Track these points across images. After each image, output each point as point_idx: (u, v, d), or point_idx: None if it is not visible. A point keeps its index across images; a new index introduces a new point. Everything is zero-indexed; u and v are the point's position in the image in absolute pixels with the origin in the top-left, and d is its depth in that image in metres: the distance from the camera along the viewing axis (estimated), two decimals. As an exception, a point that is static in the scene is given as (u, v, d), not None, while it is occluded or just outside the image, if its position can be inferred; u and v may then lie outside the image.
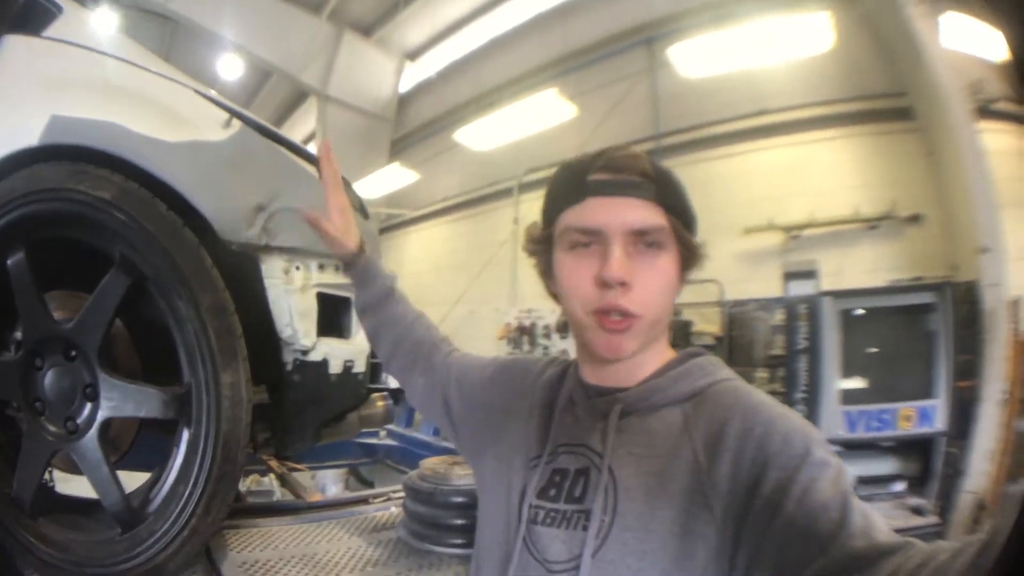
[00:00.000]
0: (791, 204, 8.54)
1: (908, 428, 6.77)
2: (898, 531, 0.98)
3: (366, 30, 14.39)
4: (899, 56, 7.54)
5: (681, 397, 1.29)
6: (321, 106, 14.27)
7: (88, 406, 2.34)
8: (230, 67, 15.33)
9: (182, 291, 2.26)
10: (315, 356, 2.80)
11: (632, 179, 1.24)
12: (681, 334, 8.19)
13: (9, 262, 2.36)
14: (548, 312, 10.16)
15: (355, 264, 1.85)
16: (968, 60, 6.84)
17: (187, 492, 2.29)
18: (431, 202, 15.00)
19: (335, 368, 2.94)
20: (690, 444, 1.20)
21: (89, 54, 2.58)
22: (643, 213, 1.23)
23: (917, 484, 6.94)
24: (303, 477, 5.18)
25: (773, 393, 1.35)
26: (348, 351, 3.02)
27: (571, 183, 1.30)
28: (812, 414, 6.67)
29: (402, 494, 3.16)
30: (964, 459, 6.53)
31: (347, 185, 3.03)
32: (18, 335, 2.44)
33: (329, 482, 8.12)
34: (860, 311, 7.26)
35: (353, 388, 3.16)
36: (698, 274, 1.35)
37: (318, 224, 1.78)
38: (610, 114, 10.36)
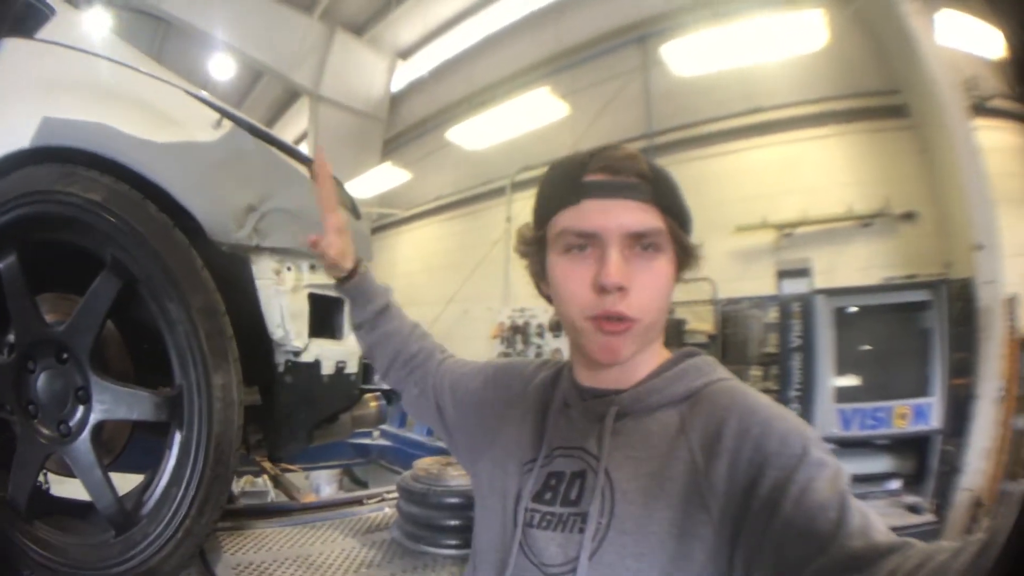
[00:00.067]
0: (784, 202, 8.55)
1: (903, 426, 6.79)
2: (894, 529, 0.97)
3: (358, 29, 14.36)
4: (893, 54, 7.55)
5: (677, 398, 1.27)
6: (313, 106, 14.25)
7: (80, 409, 2.34)
8: (222, 67, 15.30)
9: (173, 293, 2.26)
10: (307, 357, 2.80)
11: (629, 181, 1.22)
12: (674, 332, 8.20)
13: (1, 265, 2.35)
14: (541, 311, 10.16)
15: (350, 282, 1.83)
16: (963, 57, 6.85)
17: (180, 494, 2.28)
18: (423, 201, 14.98)
19: (327, 369, 2.93)
20: (687, 445, 1.19)
21: (81, 56, 2.58)
22: (640, 216, 1.21)
23: (913, 482, 6.96)
24: (297, 478, 5.17)
25: (767, 391, 1.35)
26: (340, 352, 3.01)
27: (565, 184, 1.27)
28: (806, 412, 6.68)
29: (396, 495, 3.16)
30: (960, 457, 6.54)
31: (339, 185, 3.04)
32: (11, 338, 2.43)
33: (323, 483, 8.13)
34: (854, 309, 7.28)
35: (346, 389, 3.15)
36: (691, 273, 1.33)
37: (318, 246, 1.76)
38: (603, 112, 10.36)
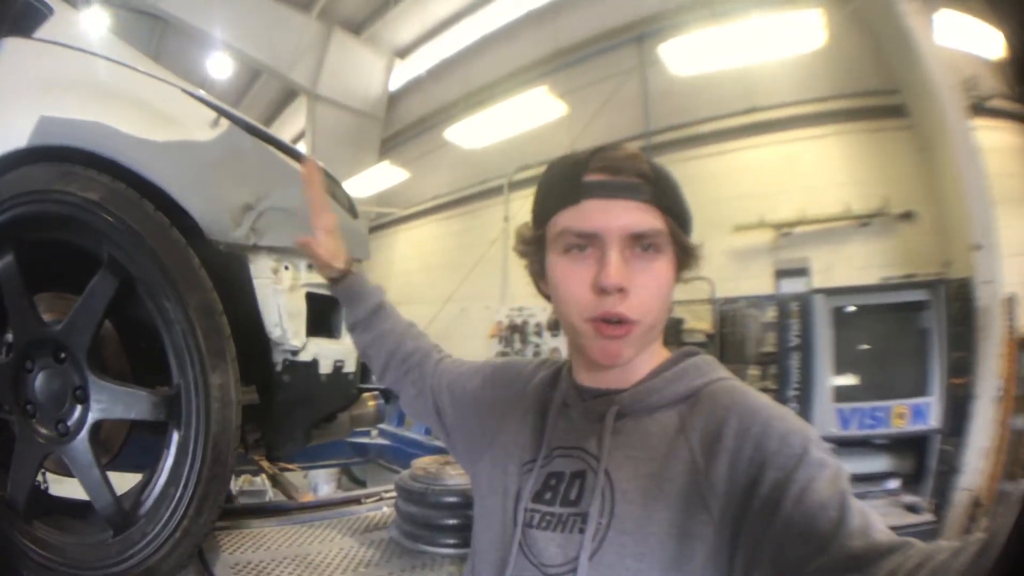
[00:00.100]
0: (782, 201, 8.55)
1: (902, 425, 6.80)
2: (893, 529, 0.97)
3: (356, 28, 14.36)
4: (892, 53, 7.56)
5: (677, 398, 1.27)
6: (311, 105, 14.24)
7: (78, 408, 2.33)
8: (220, 66, 15.29)
9: (170, 292, 2.26)
10: (305, 356, 2.80)
11: (630, 181, 1.21)
12: (672, 332, 8.19)
13: (-2, 265, 2.35)
14: (539, 310, 10.17)
15: (343, 282, 1.85)
16: (962, 57, 6.86)
17: (178, 494, 2.28)
18: (421, 200, 14.98)
19: (325, 368, 2.93)
20: (687, 445, 1.19)
21: (78, 55, 2.57)
22: (641, 216, 1.20)
23: (911, 482, 6.97)
24: (295, 477, 5.17)
25: (765, 390, 1.35)
26: (338, 351, 3.01)
27: (565, 184, 1.26)
28: (805, 411, 6.69)
29: (394, 494, 3.15)
30: (959, 456, 6.55)
31: (336, 184, 3.04)
32: (8, 337, 2.42)
33: (321, 482, 8.13)
34: (852, 308, 7.29)
35: (343, 388, 3.15)
36: (692, 273, 1.33)
37: (308, 247, 1.78)
38: (600, 112, 10.35)
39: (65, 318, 2.32)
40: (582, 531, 1.21)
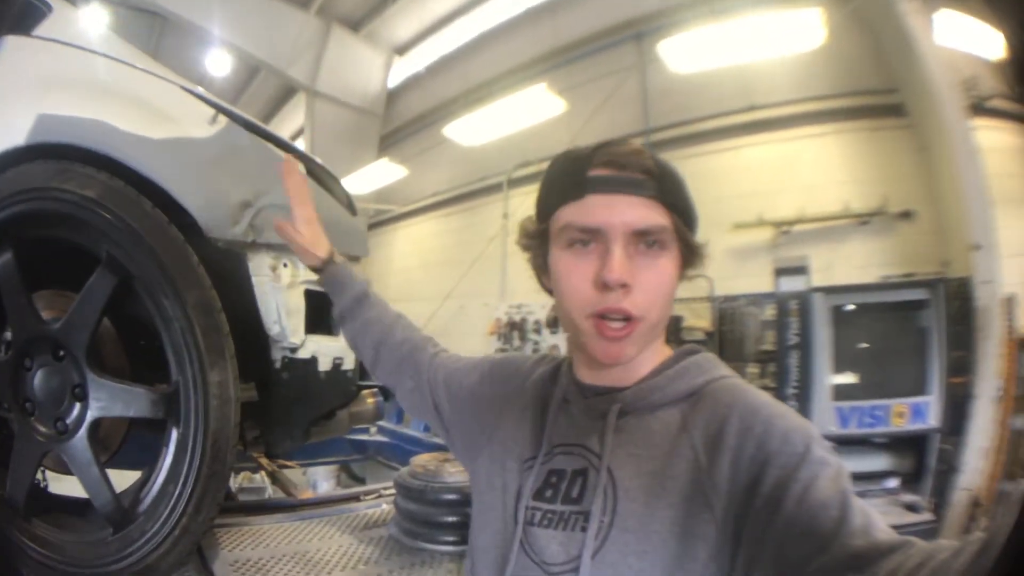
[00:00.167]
0: (781, 200, 8.55)
1: (901, 424, 6.81)
2: (892, 528, 0.97)
3: (354, 25, 14.34)
4: (892, 52, 7.56)
5: (679, 396, 1.26)
6: (309, 101, 14.24)
7: (77, 406, 2.34)
8: (218, 63, 15.31)
9: (168, 289, 2.26)
10: (303, 353, 2.80)
11: (635, 176, 1.20)
12: (671, 329, 8.19)
13: (-3, 263, 2.35)
14: (538, 307, 10.17)
15: (325, 272, 1.87)
16: (962, 57, 6.86)
17: (177, 491, 2.28)
18: (420, 197, 14.98)
19: (324, 365, 2.93)
20: (690, 443, 1.19)
21: (77, 52, 2.57)
22: (645, 212, 1.19)
23: (911, 481, 6.99)
24: (294, 474, 5.17)
25: (764, 388, 1.33)
26: (337, 348, 3.01)
27: (570, 178, 1.25)
28: (804, 410, 6.70)
29: (393, 491, 3.16)
30: (958, 456, 6.56)
31: (335, 181, 3.03)
32: (7, 335, 2.42)
33: (320, 479, 8.13)
34: (851, 307, 7.30)
35: (342, 385, 3.14)
36: (696, 271, 1.31)
37: (285, 231, 1.81)
38: (600, 109, 10.34)
39: (64, 316, 2.32)
40: (584, 529, 1.20)
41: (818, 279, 7.72)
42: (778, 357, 7.44)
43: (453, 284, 12.57)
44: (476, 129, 11.61)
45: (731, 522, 1.09)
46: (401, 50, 15.06)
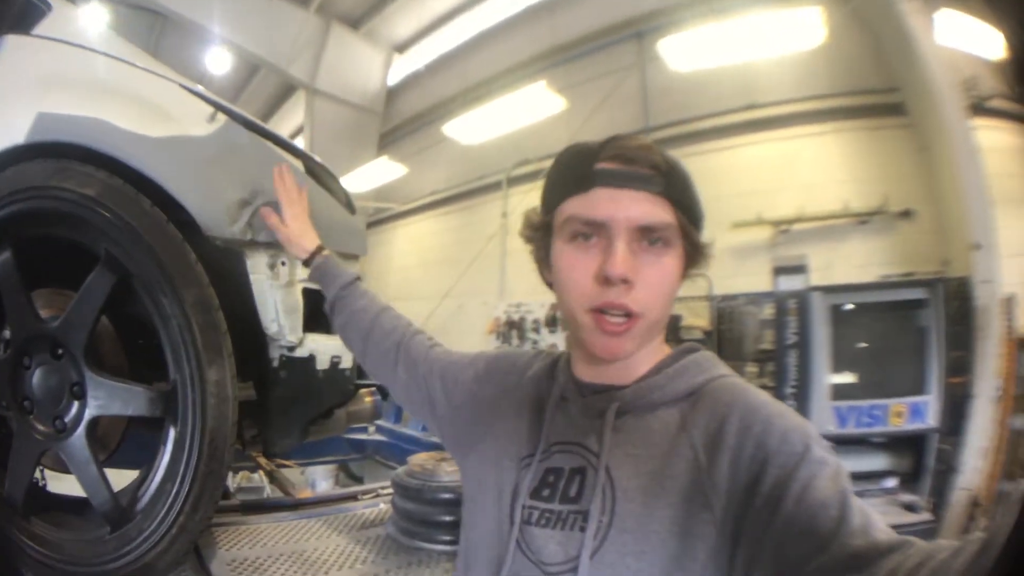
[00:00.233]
0: (780, 198, 8.55)
1: (900, 424, 6.81)
2: (891, 528, 0.97)
3: (354, 23, 14.34)
4: (892, 52, 7.57)
5: (679, 395, 1.26)
6: (309, 100, 14.26)
7: (75, 404, 2.33)
8: (218, 61, 15.31)
9: (166, 287, 2.25)
10: (301, 352, 2.79)
11: (642, 171, 1.20)
12: (670, 328, 8.17)
13: (-3, 261, 2.34)
14: (537, 306, 10.19)
15: (313, 264, 1.94)
16: (962, 57, 6.87)
17: (175, 490, 2.28)
18: (419, 196, 14.98)
19: (322, 364, 2.92)
20: (689, 443, 1.18)
21: (77, 51, 2.56)
22: (650, 208, 1.19)
23: (909, 480, 6.99)
24: (292, 474, 5.18)
25: (762, 388, 1.33)
26: (335, 347, 3.00)
27: (577, 170, 1.24)
28: (802, 409, 6.69)
29: (391, 491, 3.16)
30: (957, 456, 6.57)
31: (334, 179, 3.03)
32: (6, 334, 2.42)
33: (319, 478, 8.14)
34: (850, 306, 7.30)
35: (340, 384, 3.14)
36: (699, 271, 1.31)
37: (270, 219, 1.90)
38: (599, 107, 10.34)
39: (62, 314, 2.32)
40: (583, 529, 1.20)
41: (817, 278, 7.74)
42: (777, 356, 7.44)
43: (452, 283, 12.57)
44: (475, 127, 11.62)
45: (730, 522, 1.09)
46: (401, 48, 15.07)
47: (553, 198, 1.30)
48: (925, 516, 6.49)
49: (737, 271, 8.58)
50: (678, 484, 1.15)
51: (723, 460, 1.12)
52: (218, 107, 2.61)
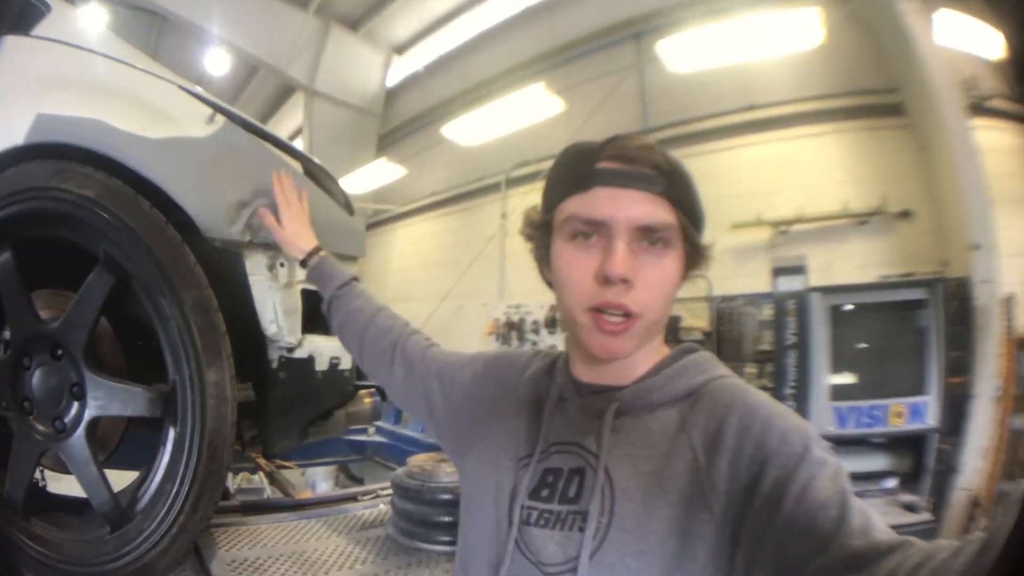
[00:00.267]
0: (780, 199, 8.56)
1: (899, 424, 6.81)
2: (891, 528, 0.97)
3: (353, 24, 14.35)
4: (891, 52, 7.57)
5: (678, 395, 1.25)
6: (308, 101, 14.26)
7: (75, 405, 2.33)
8: (217, 62, 15.31)
9: (166, 289, 2.25)
10: (301, 353, 2.79)
11: (643, 171, 1.20)
12: (669, 329, 8.18)
13: (-4, 262, 2.34)
14: (536, 308, 10.18)
15: (310, 264, 1.97)
16: (961, 57, 6.87)
17: (174, 491, 2.28)
18: (419, 197, 15.00)
19: (321, 365, 2.92)
20: (688, 443, 1.18)
21: (76, 52, 2.56)
22: (651, 208, 1.18)
23: (909, 481, 6.99)
24: (292, 475, 5.18)
25: (762, 388, 1.32)
26: (334, 348, 3.00)
27: (577, 169, 1.24)
28: (802, 410, 6.69)
29: (390, 491, 3.16)
30: (957, 456, 6.57)
31: (333, 181, 3.03)
32: (6, 334, 2.42)
33: (319, 479, 8.14)
34: (850, 307, 7.29)
35: (339, 385, 3.14)
36: (699, 272, 1.31)
37: (267, 218, 1.92)
38: (598, 108, 10.34)
39: (62, 315, 2.32)
40: (582, 529, 1.19)
41: (816, 279, 7.74)
42: (776, 357, 7.44)
43: (451, 284, 12.56)
44: (474, 129, 11.62)
45: (730, 522, 1.08)
46: (400, 49, 15.08)
47: (554, 197, 1.29)
48: (925, 516, 6.49)
49: (736, 272, 8.58)
50: (677, 484, 1.15)
51: (722, 460, 1.12)
52: (217, 108, 2.61)
